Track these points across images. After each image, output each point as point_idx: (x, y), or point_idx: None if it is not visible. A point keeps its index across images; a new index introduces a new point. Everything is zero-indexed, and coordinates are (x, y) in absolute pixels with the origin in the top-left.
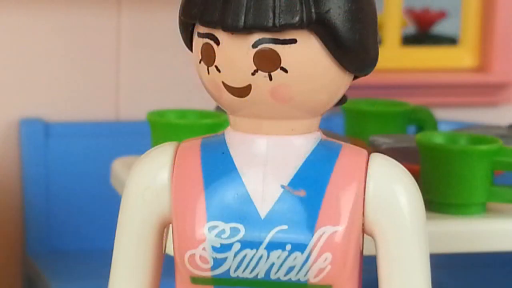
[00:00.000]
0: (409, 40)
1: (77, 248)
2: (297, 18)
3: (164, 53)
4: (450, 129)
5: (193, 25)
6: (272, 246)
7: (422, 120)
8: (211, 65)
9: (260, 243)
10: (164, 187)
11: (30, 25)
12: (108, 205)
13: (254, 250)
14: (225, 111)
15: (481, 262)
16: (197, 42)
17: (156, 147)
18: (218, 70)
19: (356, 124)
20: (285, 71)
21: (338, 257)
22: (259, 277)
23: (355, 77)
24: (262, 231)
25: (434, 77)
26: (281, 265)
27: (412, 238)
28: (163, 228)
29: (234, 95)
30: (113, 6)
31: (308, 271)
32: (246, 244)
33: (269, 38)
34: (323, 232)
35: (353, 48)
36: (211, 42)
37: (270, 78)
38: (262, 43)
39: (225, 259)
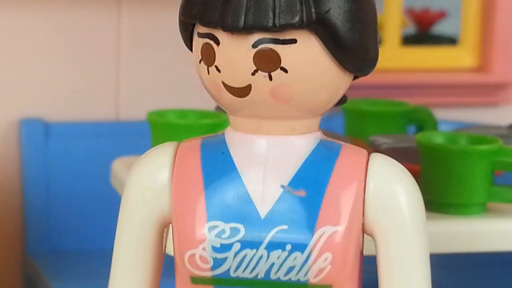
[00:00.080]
0: (409, 40)
1: (77, 248)
2: (297, 18)
3: (164, 53)
4: (450, 129)
5: (193, 25)
6: (272, 246)
7: (422, 120)
8: (211, 65)
9: (260, 243)
10: (164, 187)
11: (30, 25)
12: (108, 205)
13: (254, 250)
14: (225, 111)
15: (481, 262)
16: (197, 42)
17: (156, 147)
18: (218, 70)
19: (356, 124)
20: (285, 71)
21: (338, 257)
22: (259, 277)
23: (355, 77)
24: (262, 231)
25: (434, 77)
26: (281, 265)
27: (412, 238)
28: (163, 228)
29: (234, 95)
30: (113, 6)
31: (308, 271)
32: (246, 244)
33: (269, 38)
34: (323, 232)
35: (353, 48)
36: (211, 42)
37: (270, 78)
38: (262, 43)
39: (225, 259)
